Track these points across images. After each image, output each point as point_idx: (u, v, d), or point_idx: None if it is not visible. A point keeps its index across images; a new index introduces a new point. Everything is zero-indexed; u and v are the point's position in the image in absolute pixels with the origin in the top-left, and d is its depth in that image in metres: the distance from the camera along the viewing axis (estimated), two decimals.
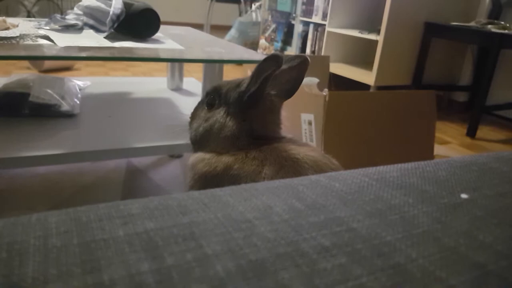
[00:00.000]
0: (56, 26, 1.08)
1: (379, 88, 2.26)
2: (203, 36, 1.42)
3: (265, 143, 0.58)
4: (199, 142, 0.63)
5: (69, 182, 1.18)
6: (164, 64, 2.11)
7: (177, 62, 1.45)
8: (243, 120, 0.59)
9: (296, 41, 3.02)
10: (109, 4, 1.07)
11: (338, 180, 0.31)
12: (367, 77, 2.30)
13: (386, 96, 1.29)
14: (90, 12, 1.11)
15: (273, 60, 0.54)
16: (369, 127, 1.22)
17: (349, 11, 2.61)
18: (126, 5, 1.06)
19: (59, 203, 1.07)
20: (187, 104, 1.31)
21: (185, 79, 1.54)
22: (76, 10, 1.15)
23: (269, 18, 3.27)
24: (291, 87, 0.64)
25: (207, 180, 0.56)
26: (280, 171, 0.52)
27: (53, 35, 0.98)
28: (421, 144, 1.34)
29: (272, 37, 3.25)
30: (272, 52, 2.16)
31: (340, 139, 1.17)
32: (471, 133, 2.01)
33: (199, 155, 0.60)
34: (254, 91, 0.58)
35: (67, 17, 1.12)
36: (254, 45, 3.31)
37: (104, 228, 0.23)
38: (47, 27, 1.06)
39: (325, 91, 1.15)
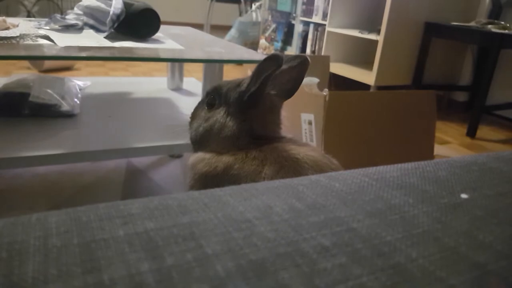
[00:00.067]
0: (56, 26, 1.08)
1: (379, 88, 2.26)
2: (203, 36, 1.42)
3: (265, 143, 0.58)
4: (199, 142, 0.63)
5: (69, 182, 1.18)
6: (164, 64, 2.11)
7: (177, 62, 1.45)
8: (243, 120, 0.59)
9: (296, 41, 3.02)
10: (109, 4, 1.07)
11: (338, 180, 0.31)
12: (367, 77, 2.30)
13: (386, 96, 1.29)
14: (90, 12, 1.11)
15: (273, 60, 0.54)
16: (369, 127, 1.22)
17: (349, 11, 2.61)
18: (126, 5, 1.06)
19: (59, 203, 1.07)
20: (187, 104, 1.31)
21: (185, 79, 1.54)
22: (76, 10, 1.15)
23: (269, 18, 3.27)
24: (291, 87, 0.64)
25: (207, 180, 0.56)
26: (280, 171, 0.52)
27: (53, 35, 0.98)
28: (421, 144, 1.34)
29: (272, 37, 3.25)
30: (272, 52, 2.16)
31: (340, 139, 1.17)
32: (471, 133, 2.01)
33: (199, 155, 0.60)
34: (254, 91, 0.58)
35: (67, 17, 1.12)
36: (254, 45, 3.31)
37: (104, 228, 0.23)
38: (47, 27, 1.06)
39: (325, 91, 1.15)
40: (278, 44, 3.19)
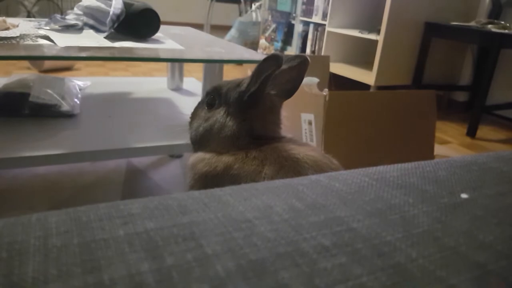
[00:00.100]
0: (56, 26, 1.08)
1: (379, 88, 2.26)
2: (203, 36, 1.42)
3: (265, 143, 0.58)
4: (199, 142, 0.63)
5: (69, 182, 1.18)
6: (164, 64, 2.11)
7: (177, 62, 1.45)
8: (243, 120, 0.59)
9: (296, 41, 3.02)
10: (109, 4, 1.07)
11: (338, 180, 0.31)
12: (367, 77, 2.30)
13: (386, 96, 1.29)
14: (90, 12, 1.11)
15: (273, 60, 0.54)
16: (369, 127, 1.22)
17: (349, 11, 2.61)
18: (126, 5, 1.06)
19: (59, 203, 1.07)
20: (187, 104, 1.31)
21: (185, 79, 1.54)
22: (76, 10, 1.15)
23: (269, 18, 3.27)
24: (291, 87, 0.64)
25: (207, 180, 0.56)
26: (280, 171, 0.52)
27: (53, 35, 0.98)
28: (421, 144, 1.34)
29: (272, 37, 3.25)
30: (272, 52, 2.16)
31: (340, 139, 1.17)
32: (471, 133, 2.01)
33: (199, 155, 0.60)
34: (254, 91, 0.58)
35: (67, 17, 1.12)
36: (254, 45, 3.31)
37: (104, 228, 0.23)
38: (47, 27, 1.06)
39: (325, 91, 1.15)
40: (278, 44, 3.19)
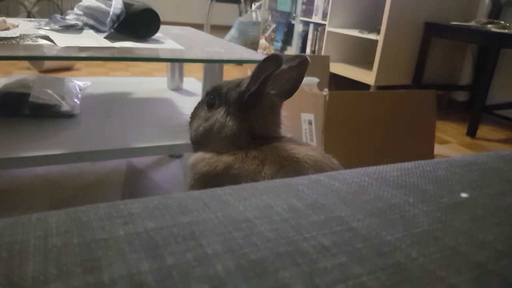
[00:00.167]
0: (56, 26, 1.08)
1: (379, 88, 2.26)
2: (203, 36, 1.42)
3: (265, 142, 0.58)
4: (199, 142, 0.63)
5: (69, 182, 1.18)
6: (164, 64, 2.11)
7: (177, 62, 1.45)
8: (243, 120, 0.60)
9: (296, 41, 3.02)
10: (109, 4, 1.07)
11: (338, 179, 0.31)
12: (367, 77, 2.30)
13: (386, 96, 1.29)
14: (90, 12, 1.11)
15: (273, 60, 0.54)
16: (369, 127, 1.22)
17: (349, 11, 2.61)
18: (126, 5, 1.06)
19: (59, 203, 1.07)
20: (187, 104, 1.31)
21: (185, 79, 1.54)
22: (76, 10, 1.15)
23: (269, 18, 3.27)
24: (291, 87, 0.64)
25: (207, 180, 0.56)
26: (280, 171, 0.52)
27: (53, 35, 0.98)
28: (421, 143, 1.34)
29: (272, 37, 3.25)
30: (272, 52, 2.16)
31: (340, 139, 1.17)
32: (471, 132, 2.01)
33: (199, 154, 0.60)
34: (254, 90, 0.58)
35: (67, 17, 1.12)
36: (254, 45, 3.31)
37: (104, 227, 0.23)
38: (47, 27, 1.06)
39: (325, 91, 1.15)
40: (278, 44, 3.19)
